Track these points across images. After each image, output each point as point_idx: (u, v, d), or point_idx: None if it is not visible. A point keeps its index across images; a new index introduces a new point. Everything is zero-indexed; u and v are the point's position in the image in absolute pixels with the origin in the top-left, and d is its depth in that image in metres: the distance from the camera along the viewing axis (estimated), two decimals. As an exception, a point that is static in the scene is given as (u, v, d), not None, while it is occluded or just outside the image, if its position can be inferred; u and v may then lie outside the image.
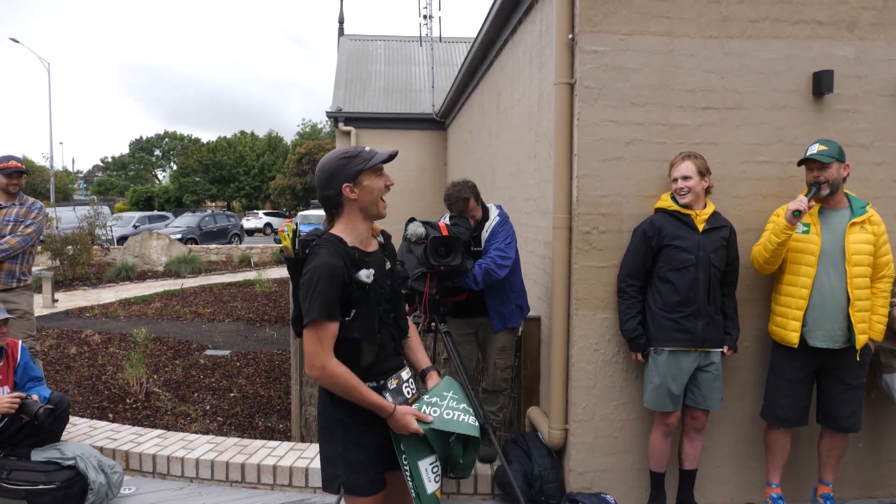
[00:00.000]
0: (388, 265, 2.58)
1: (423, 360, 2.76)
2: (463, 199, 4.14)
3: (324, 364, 2.33)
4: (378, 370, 2.49)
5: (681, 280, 3.55)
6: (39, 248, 18.97)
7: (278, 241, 2.50)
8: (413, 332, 2.80)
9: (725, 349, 3.66)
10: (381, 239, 2.61)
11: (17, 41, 35.27)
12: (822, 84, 3.78)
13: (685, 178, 3.57)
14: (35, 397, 3.93)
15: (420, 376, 2.73)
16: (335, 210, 2.45)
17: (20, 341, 4.27)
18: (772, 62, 3.83)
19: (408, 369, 2.64)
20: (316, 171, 2.48)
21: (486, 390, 4.39)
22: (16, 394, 3.89)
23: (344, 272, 2.32)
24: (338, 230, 2.45)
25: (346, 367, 2.37)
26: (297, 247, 2.40)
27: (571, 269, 3.90)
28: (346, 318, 2.37)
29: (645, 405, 3.73)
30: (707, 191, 3.65)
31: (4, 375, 4.10)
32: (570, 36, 3.86)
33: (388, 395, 2.47)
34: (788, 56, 3.83)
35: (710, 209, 3.64)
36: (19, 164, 5.10)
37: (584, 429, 3.92)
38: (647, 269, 3.67)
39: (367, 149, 2.46)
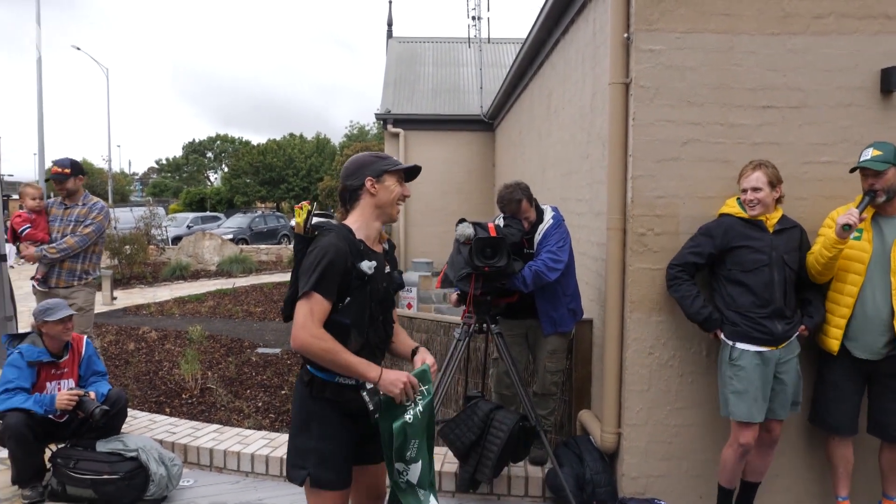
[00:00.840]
0: (388, 270, 2.65)
1: (410, 342, 2.79)
2: (515, 200, 4.13)
3: (312, 332, 2.35)
4: None
5: (754, 281, 3.43)
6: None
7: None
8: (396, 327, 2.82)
9: (802, 328, 3.48)
10: (386, 246, 2.70)
11: (78, 48, 36.57)
12: (890, 81, 3.65)
13: (755, 189, 3.43)
14: (93, 395, 4.07)
15: (412, 354, 2.74)
16: (352, 202, 2.58)
17: (85, 336, 4.42)
18: (837, 59, 3.71)
19: None
20: (345, 164, 2.62)
21: (536, 393, 4.37)
22: (75, 391, 4.04)
23: (347, 258, 2.41)
24: (349, 222, 2.56)
25: None
26: (308, 226, 2.50)
27: (626, 272, 3.85)
28: (340, 305, 2.44)
29: (732, 418, 3.48)
30: (778, 201, 3.51)
31: (69, 368, 4.25)
32: (626, 35, 3.82)
33: (365, 393, 2.47)
34: (854, 52, 3.71)
35: (778, 213, 3.51)
36: (60, 169, 5.12)
37: (637, 433, 3.87)
38: (697, 266, 3.57)
39: (395, 158, 2.65)
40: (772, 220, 3.48)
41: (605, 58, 4.22)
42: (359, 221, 2.55)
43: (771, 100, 3.74)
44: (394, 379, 2.42)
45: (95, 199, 5.36)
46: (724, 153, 3.75)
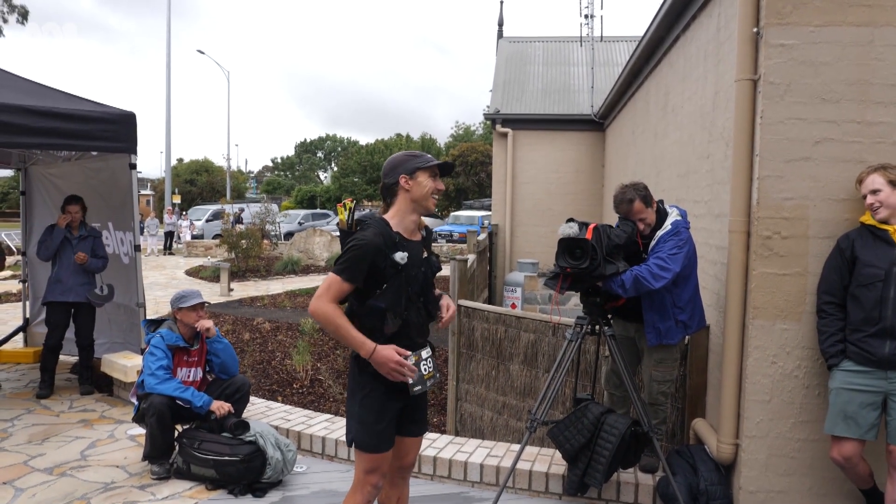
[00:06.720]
0: (426, 255, 2.87)
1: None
2: (627, 200, 3.99)
3: (322, 301, 2.64)
4: (402, 344, 2.73)
5: (866, 296, 3.23)
6: (217, 241, 20.83)
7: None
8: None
9: None
10: (423, 233, 2.91)
11: (202, 52, 38.81)
12: None
13: (874, 192, 3.24)
14: (232, 410, 4.36)
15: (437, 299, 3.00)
16: (391, 198, 2.81)
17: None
18: None
19: (429, 349, 2.90)
20: (384, 164, 2.85)
21: (643, 402, 4.21)
22: (228, 405, 4.34)
23: (381, 250, 2.65)
24: (388, 215, 2.79)
25: (371, 331, 2.67)
26: (350, 221, 2.74)
27: (749, 276, 3.68)
28: (378, 291, 2.68)
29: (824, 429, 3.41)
30: None
31: (198, 358, 4.51)
32: (755, 30, 3.65)
33: None
34: None
35: None
36: None
37: (757, 445, 3.69)
38: (846, 285, 3.36)
39: (429, 156, 2.84)
40: None
41: (729, 54, 4.06)
42: (396, 216, 2.77)
43: (916, 96, 3.47)
44: (384, 358, 2.63)
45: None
46: (860, 153, 3.51)
